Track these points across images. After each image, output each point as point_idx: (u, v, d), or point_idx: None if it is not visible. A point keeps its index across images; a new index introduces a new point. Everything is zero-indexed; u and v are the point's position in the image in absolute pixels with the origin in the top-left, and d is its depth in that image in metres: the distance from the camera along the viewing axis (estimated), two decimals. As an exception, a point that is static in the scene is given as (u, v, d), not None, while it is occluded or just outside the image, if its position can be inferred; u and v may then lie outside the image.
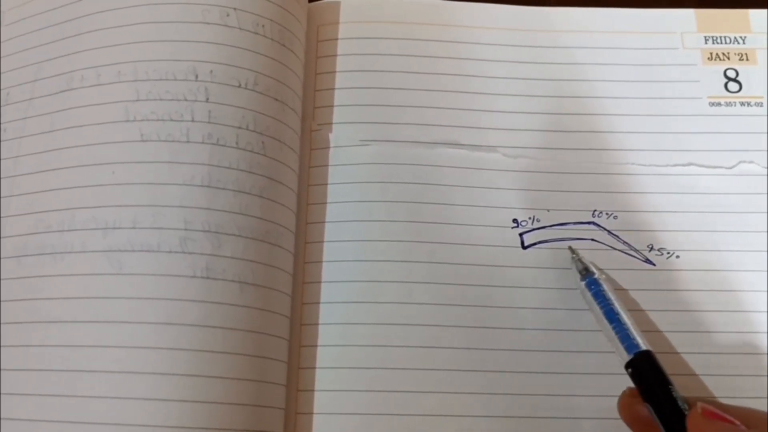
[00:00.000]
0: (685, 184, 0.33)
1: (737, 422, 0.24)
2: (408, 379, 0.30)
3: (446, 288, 0.31)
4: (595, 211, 0.33)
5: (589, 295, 0.30)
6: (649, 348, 0.28)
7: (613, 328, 0.29)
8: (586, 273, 0.31)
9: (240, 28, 0.31)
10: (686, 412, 0.25)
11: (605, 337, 0.29)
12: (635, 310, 0.31)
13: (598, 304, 0.29)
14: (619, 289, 0.31)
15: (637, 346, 0.28)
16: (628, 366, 0.28)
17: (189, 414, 0.26)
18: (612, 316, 0.29)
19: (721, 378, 0.30)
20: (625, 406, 0.27)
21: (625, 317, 0.29)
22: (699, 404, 0.25)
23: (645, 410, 0.26)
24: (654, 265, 0.32)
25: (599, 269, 0.31)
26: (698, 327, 0.31)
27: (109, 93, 0.30)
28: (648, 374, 0.27)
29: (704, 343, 0.31)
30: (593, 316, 0.30)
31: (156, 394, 0.26)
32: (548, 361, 0.30)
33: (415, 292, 0.31)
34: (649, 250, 0.32)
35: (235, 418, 0.27)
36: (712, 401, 0.26)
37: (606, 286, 0.30)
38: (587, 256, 0.32)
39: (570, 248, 0.32)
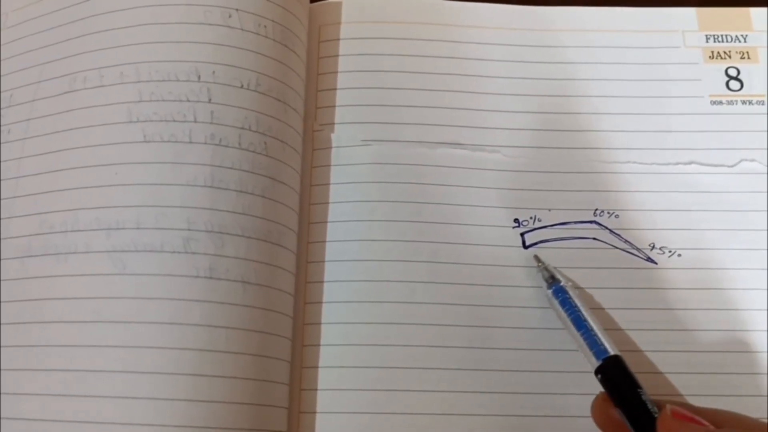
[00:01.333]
0: (687, 183, 0.33)
1: (706, 423, 0.24)
2: (410, 378, 0.30)
3: (448, 287, 0.31)
4: (596, 210, 0.33)
5: (556, 302, 0.30)
6: (618, 353, 0.28)
7: (581, 335, 0.29)
8: (552, 281, 0.31)
9: (242, 29, 0.31)
10: (656, 416, 0.25)
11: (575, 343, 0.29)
12: (637, 308, 0.31)
13: (566, 311, 0.29)
14: (606, 288, 0.32)
15: (605, 351, 0.28)
16: (597, 372, 0.28)
17: (193, 413, 0.27)
18: (580, 323, 0.29)
19: (722, 376, 0.30)
20: (598, 410, 0.27)
21: (593, 323, 0.29)
22: (668, 406, 0.25)
23: (617, 414, 0.27)
24: (656, 263, 0.32)
25: (565, 276, 0.31)
26: (700, 325, 0.31)
27: (112, 94, 0.30)
28: (617, 379, 0.27)
29: (705, 341, 0.31)
30: (561, 323, 0.30)
31: (160, 393, 0.27)
32: (551, 360, 0.31)
33: (417, 292, 0.31)
34: (651, 249, 0.32)
35: (239, 417, 0.27)
36: (682, 403, 0.26)
37: (572, 293, 0.30)
38: (589, 256, 0.32)
39: (535, 257, 0.32)
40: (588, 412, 0.28)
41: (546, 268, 0.31)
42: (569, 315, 0.29)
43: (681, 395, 0.30)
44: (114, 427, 0.26)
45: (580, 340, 0.29)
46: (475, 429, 0.30)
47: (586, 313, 0.29)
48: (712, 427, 0.24)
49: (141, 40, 0.31)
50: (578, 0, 0.37)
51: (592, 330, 0.29)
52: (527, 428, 0.30)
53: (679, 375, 0.30)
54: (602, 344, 0.28)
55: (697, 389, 0.30)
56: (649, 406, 0.26)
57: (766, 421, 0.25)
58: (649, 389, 0.27)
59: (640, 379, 0.27)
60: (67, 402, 0.27)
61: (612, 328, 0.31)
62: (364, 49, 0.36)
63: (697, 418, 0.24)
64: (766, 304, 0.31)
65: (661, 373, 0.30)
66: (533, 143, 0.34)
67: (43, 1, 0.35)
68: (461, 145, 0.34)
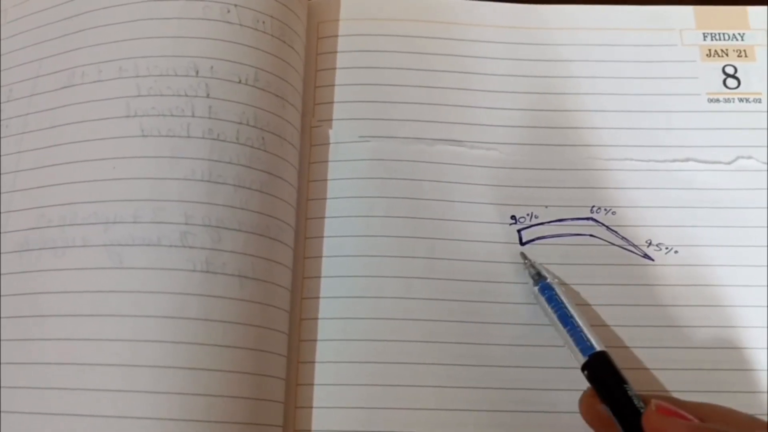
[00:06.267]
0: (684, 180, 0.33)
1: (690, 416, 0.24)
2: (406, 373, 0.30)
3: (445, 283, 0.32)
4: (593, 207, 0.33)
5: (542, 299, 0.30)
6: (604, 349, 0.28)
7: (568, 331, 0.29)
8: (538, 278, 0.31)
9: (240, 25, 0.31)
10: (642, 411, 0.25)
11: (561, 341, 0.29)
12: (633, 305, 0.31)
13: (552, 308, 0.30)
14: (602, 285, 0.32)
15: (591, 347, 0.28)
16: (584, 368, 0.28)
17: (189, 407, 0.27)
18: (566, 320, 0.29)
19: (718, 373, 0.30)
20: (585, 406, 0.27)
21: (579, 319, 0.29)
22: (653, 401, 0.25)
23: (605, 410, 0.27)
24: (653, 260, 0.32)
25: (551, 273, 0.31)
26: (696, 322, 0.31)
27: (110, 89, 0.30)
28: (603, 375, 0.27)
29: (701, 338, 0.31)
30: (548, 320, 0.30)
31: (157, 387, 0.27)
32: (546, 356, 0.31)
33: (413, 287, 0.31)
34: (648, 246, 0.32)
35: (235, 411, 0.27)
36: (667, 397, 0.26)
37: (559, 290, 0.30)
38: (586, 253, 0.32)
39: (522, 254, 0.32)
40: (577, 407, 0.28)
41: (532, 266, 0.31)
42: (555, 312, 0.29)
43: (677, 392, 0.30)
44: (111, 421, 0.26)
45: (567, 336, 0.29)
46: (468, 423, 0.30)
47: (572, 309, 0.29)
48: (696, 421, 0.24)
49: (139, 35, 0.31)
50: (576, -2, 0.37)
51: (578, 326, 0.29)
52: (519, 423, 0.30)
53: (675, 371, 0.30)
54: (588, 340, 0.28)
55: (693, 386, 0.30)
56: (635, 401, 0.26)
57: (754, 415, 0.25)
58: (644, 386, 0.27)
59: (637, 375, 0.27)
60: (64, 396, 0.27)
61: (608, 324, 0.31)
62: (362, 46, 0.36)
63: (681, 412, 0.24)
64: (765, 302, 0.31)
65: (657, 369, 0.30)
66: (530, 140, 0.34)
67: (42, -4, 0.35)
68: (458, 142, 0.34)
